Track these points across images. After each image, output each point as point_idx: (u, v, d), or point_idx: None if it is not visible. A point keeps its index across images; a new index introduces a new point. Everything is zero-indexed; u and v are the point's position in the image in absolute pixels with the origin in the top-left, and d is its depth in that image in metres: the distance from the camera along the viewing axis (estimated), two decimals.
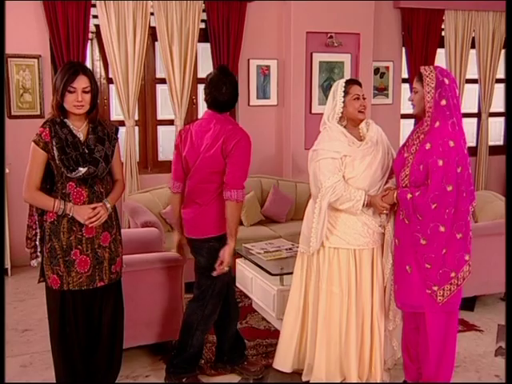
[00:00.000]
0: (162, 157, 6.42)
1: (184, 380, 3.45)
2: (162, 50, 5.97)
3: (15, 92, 5.60)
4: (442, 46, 7.12)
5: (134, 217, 5.01)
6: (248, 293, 4.52)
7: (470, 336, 4.17)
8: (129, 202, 5.41)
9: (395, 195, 3.07)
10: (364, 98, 3.27)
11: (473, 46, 7.24)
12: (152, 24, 5.93)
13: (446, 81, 2.96)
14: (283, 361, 3.51)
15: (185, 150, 3.34)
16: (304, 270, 3.41)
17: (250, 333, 4.15)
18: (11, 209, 5.38)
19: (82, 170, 2.90)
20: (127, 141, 5.94)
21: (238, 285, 4.59)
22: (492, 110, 7.52)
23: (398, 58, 7.06)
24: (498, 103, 7.54)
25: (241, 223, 3.43)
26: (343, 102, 3.23)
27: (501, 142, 7.66)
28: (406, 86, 7.02)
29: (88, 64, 5.84)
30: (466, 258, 3.01)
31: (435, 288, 3.00)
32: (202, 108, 6.42)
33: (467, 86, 7.35)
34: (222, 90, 3.25)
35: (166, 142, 6.40)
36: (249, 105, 6.41)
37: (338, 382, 3.37)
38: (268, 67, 6.46)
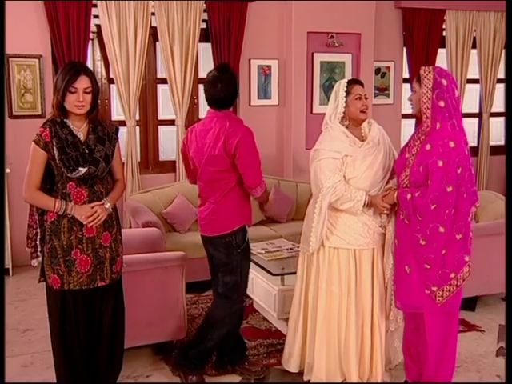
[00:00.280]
0: (162, 157, 6.42)
1: (191, 378, 3.46)
2: (162, 49, 5.97)
3: (16, 92, 5.60)
4: (443, 46, 7.12)
5: (135, 217, 5.01)
6: (249, 293, 4.51)
7: (471, 336, 4.16)
8: (130, 201, 5.41)
9: (395, 195, 3.07)
10: (366, 98, 3.27)
11: (474, 46, 7.23)
12: (153, 24, 5.93)
13: (445, 82, 2.95)
14: (288, 360, 3.53)
15: (191, 150, 3.41)
16: (304, 269, 3.42)
17: (251, 333, 4.15)
18: (12, 208, 5.38)
19: (82, 170, 2.90)
20: (128, 141, 5.95)
21: None
22: (493, 109, 7.51)
23: (398, 58, 7.05)
24: (499, 103, 7.53)
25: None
26: (345, 101, 3.23)
27: (502, 142, 7.65)
28: (407, 86, 7.02)
29: (89, 64, 5.84)
30: (466, 258, 3.00)
31: (434, 288, 2.99)
32: (203, 108, 6.42)
33: (468, 86, 7.34)
34: (218, 87, 3.29)
35: (167, 142, 6.39)
36: (250, 105, 6.41)
37: (339, 381, 3.37)
38: (269, 67, 6.46)
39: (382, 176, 3.25)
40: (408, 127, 6.98)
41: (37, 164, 2.91)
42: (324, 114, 3.35)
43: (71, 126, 2.95)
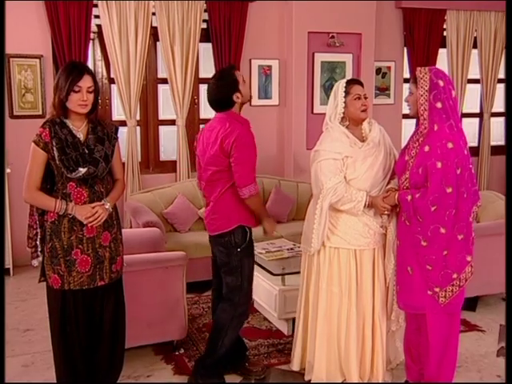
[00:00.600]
0: (163, 157, 6.42)
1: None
2: (163, 50, 5.97)
3: (17, 92, 5.61)
4: (444, 46, 7.12)
5: (135, 217, 5.01)
6: None
7: (472, 336, 4.16)
8: (130, 201, 5.41)
9: (396, 197, 3.07)
10: (366, 98, 3.26)
11: (475, 46, 7.24)
12: (154, 24, 5.94)
13: (441, 83, 2.94)
14: (292, 359, 3.56)
15: (198, 150, 3.46)
16: (305, 269, 3.43)
17: (252, 333, 4.15)
18: (12, 208, 5.38)
19: (82, 170, 2.90)
20: (129, 141, 5.95)
21: None
22: (494, 109, 7.51)
23: (399, 58, 7.05)
24: (500, 103, 7.53)
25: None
26: (344, 102, 3.23)
27: (503, 142, 7.64)
28: (408, 86, 7.00)
29: (90, 64, 5.84)
30: (468, 259, 3.00)
31: (437, 289, 2.99)
32: (204, 108, 6.43)
33: (469, 86, 7.34)
34: (210, 90, 3.37)
35: (168, 141, 6.39)
36: (250, 105, 6.36)
37: (340, 381, 3.37)
38: (270, 67, 6.46)
39: (383, 176, 3.25)
40: (409, 127, 6.98)
41: (37, 164, 2.91)
42: (325, 114, 3.35)
43: (71, 127, 2.95)
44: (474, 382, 3.58)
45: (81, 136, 2.97)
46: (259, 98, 6.45)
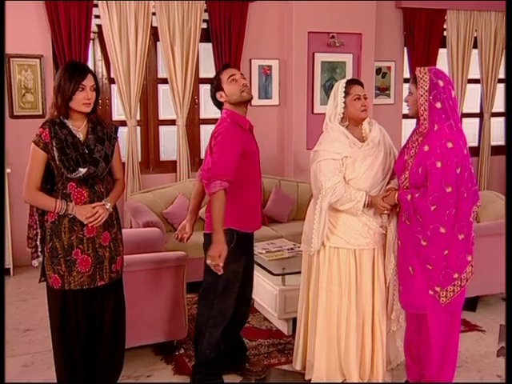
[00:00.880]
0: (163, 157, 6.42)
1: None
2: (163, 49, 5.97)
3: (17, 92, 5.61)
4: (444, 46, 7.12)
5: (135, 217, 5.01)
6: None
7: (472, 336, 4.16)
8: (130, 201, 5.41)
9: (396, 196, 3.07)
10: (365, 98, 3.26)
11: (475, 46, 7.24)
12: (154, 24, 5.94)
13: (441, 83, 2.94)
14: (295, 358, 3.57)
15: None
16: (306, 269, 3.43)
17: (252, 333, 4.15)
18: (13, 208, 5.38)
19: (82, 170, 2.90)
20: (129, 141, 5.95)
21: None
22: (494, 109, 7.51)
23: (399, 58, 7.05)
24: (500, 103, 7.53)
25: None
26: (344, 102, 3.23)
27: (503, 142, 7.64)
28: (408, 86, 7.00)
29: (90, 64, 5.84)
30: (469, 258, 3.00)
31: (438, 289, 2.99)
32: (204, 108, 6.44)
33: (469, 86, 7.34)
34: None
35: (168, 141, 6.39)
36: (251, 105, 6.36)
37: (340, 381, 3.37)
38: (270, 67, 6.46)
39: (383, 176, 3.25)
40: (409, 127, 6.96)
41: (37, 164, 2.91)
42: (325, 114, 3.35)
43: (71, 127, 2.95)
44: (474, 382, 3.58)
45: (81, 136, 2.97)
46: (259, 98, 6.45)
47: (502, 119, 7.72)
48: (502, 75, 7.38)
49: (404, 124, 7.14)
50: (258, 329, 4.26)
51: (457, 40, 7.09)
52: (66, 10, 5.52)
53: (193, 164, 6.29)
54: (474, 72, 7.37)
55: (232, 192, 3.19)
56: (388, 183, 3.27)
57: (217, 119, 3.39)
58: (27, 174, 2.93)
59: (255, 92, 6.39)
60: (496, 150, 7.57)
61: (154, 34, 6.03)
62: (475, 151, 7.30)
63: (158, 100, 6.32)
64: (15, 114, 5.63)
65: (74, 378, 3.09)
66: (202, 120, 6.41)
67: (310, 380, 3.43)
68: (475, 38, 7.21)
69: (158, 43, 6.10)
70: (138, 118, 6.13)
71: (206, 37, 6.17)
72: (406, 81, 7.07)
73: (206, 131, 6.36)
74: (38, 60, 5.63)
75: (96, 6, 5.68)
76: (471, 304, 4.48)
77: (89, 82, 2.90)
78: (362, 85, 3.31)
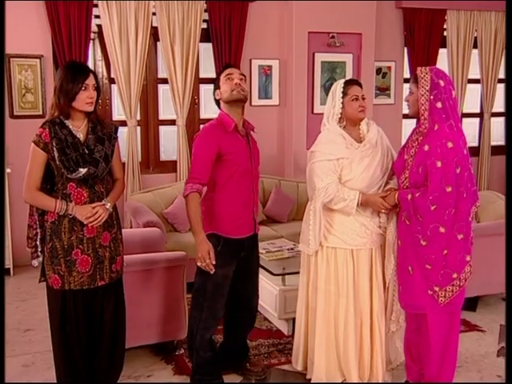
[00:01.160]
0: (163, 157, 6.42)
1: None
2: (163, 50, 5.97)
3: (17, 92, 5.61)
4: (444, 46, 7.12)
5: (135, 217, 5.01)
6: None
7: (472, 336, 4.16)
8: (131, 201, 5.41)
9: (396, 196, 3.07)
10: (363, 99, 3.26)
11: (475, 46, 7.24)
12: (154, 24, 5.93)
13: (442, 83, 2.94)
14: (295, 359, 3.56)
15: None
16: (305, 269, 3.44)
17: (252, 333, 4.12)
18: (13, 208, 5.38)
19: (83, 170, 2.90)
20: (129, 141, 5.95)
21: None
22: (494, 109, 7.51)
23: (399, 58, 7.05)
24: (500, 103, 7.52)
25: None
26: (342, 102, 3.23)
27: (503, 142, 7.64)
28: (408, 86, 7.00)
29: (90, 64, 5.84)
30: (468, 258, 3.00)
31: (437, 289, 2.99)
32: (204, 108, 6.44)
33: (469, 86, 7.34)
34: None
35: (168, 141, 6.39)
36: (251, 105, 6.40)
37: (340, 381, 3.37)
38: (270, 67, 6.46)
39: (380, 177, 3.25)
40: (409, 127, 6.93)
41: (37, 164, 2.91)
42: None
43: (71, 127, 2.95)
44: (474, 382, 3.58)
45: (81, 136, 2.97)
46: (259, 98, 6.46)
47: (502, 119, 7.72)
48: (502, 75, 7.38)
49: (404, 124, 7.14)
50: (258, 329, 4.24)
51: (457, 40, 7.09)
52: (66, 10, 5.52)
53: None
54: (474, 72, 7.36)
55: (213, 195, 3.23)
56: (386, 183, 3.27)
57: (217, 120, 3.38)
58: (27, 174, 2.93)
59: (255, 92, 6.40)
60: (496, 150, 7.57)
61: (154, 34, 6.03)
62: (475, 151, 7.30)
63: (158, 100, 6.32)
64: (15, 114, 5.63)
65: (73, 378, 3.09)
66: (202, 120, 6.40)
67: (310, 380, 3.43)
68: (475, 37, 7.21)
69: (158, 43, 6.10)
70: (138, 117, 6.13)
71: (206, 37, 6.17)
72: (406, 81, 7.07)
73: None
74: (38, 60, 5.63)
75: (96, 5, 5.68)
76: (471, 304, 4.48)
77: (91, 81, 2.91)
78: (360, 85, 3.31)
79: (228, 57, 6.12)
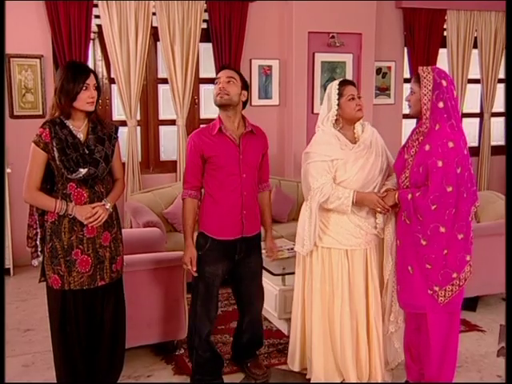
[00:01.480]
0: (163, 157, 6.42)
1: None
2: (163, 50, 5.97)
3: (17, 92, 5.61)
4: (444, 46, 7.12)
5: (135, 217, 5.01)
6: None
7: (472, 336, 4.16)
8: (131, 201, 5.41)
9: (396, 196, 3.07)
10: (359, 97, 3.27)
11: (475, 46, 7.24)
12: (154, 24, 5.94)
13: (444, 83, 2.95)
14: (291, 359, 3.56)
15: None
16: (300, 269, 3.44)
17: None
18: (13, 208, 5.39)
19: (83, 171, 2.90)
20: (129, 141, 5.95)
21: None
22: (494, 109, 7.51)
23: (399, 58, 7.05)
24: (500, 103, 7.52)
25: None
26: (338, 104, 3.23)
27: (503, 142, 7.64)
28: (408, 85, 6.93)
29: (90, 64, 5.83)
30: (467, 258, 3.01)
31: (436, 288, 2.99)
32: (204, 108, 6.44)
33: (469, 86, 7.34)
34: None
35: (168, 141, 6.39)
36: (251, 105, 6.39)
37: (339, 381, 3.37)
38: (270, 67, 6.46)
39: (375, 178, 3.24)
40: (409, 127, 6.94)
41: (37, 164, 2.91)
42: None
43: (71, 127, 2.95)
44: (474, 382, 3.58)
45: (81, 136, 2.97)
46: (259, 97, 6.46)
47: (502, 119, 7.72)
48: (502, 75, 7.38)
49: (404, 124, 7.13)
50: None
51: (457, 40, 7.09)
52: (66, 10, 5.52)
53: None
54: (474, 72, 7.36)
55: (204, 196, 3.33)
56: (383, 184, 3.27)
57: (207, 125, 3.42)
58: (27, 174, 2.92)
59: (255, 92, 6.40)
60: (496, 150, 7.57)
61: (154, 34, 6.03)
62: (475, 151, 7.30)
63: (158, 100, 6.32)
64: (15, 114, 5.63)
65: (73, 378, 3.09)
66: (202, 120, 6.40)
67: (309, 380, 3.43)
68: (475, 38, 7.21)
69: (158, 43, 6.10)
70: (138, 117, 6.13)
71: (206, 37, 6.17)
72: (406, 81, 7.08)
73: None
74: (38, 60, 5.63)
75: (96, 5, 5.68)
76: (471, 304, 4.48)
77: (92, 80, 2.92)
78: (354, 85, 3.32)
79: (228, 57, 6.12)
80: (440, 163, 2.88)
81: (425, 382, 3.24)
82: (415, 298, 3.08)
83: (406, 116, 7.07)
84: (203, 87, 6.39)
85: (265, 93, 6.47)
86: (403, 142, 3.24)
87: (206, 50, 6.28)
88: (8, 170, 5.37)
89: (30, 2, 5.53)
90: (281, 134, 6.62)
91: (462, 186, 2.90)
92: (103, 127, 3.06)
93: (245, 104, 3.38)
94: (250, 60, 6.37)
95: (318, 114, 3.42)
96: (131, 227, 5.38)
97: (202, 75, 6.36)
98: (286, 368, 3.64)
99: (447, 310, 3.04)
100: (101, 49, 5.98)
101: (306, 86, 6.44)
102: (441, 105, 2.93)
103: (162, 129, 6.39)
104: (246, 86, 3.34)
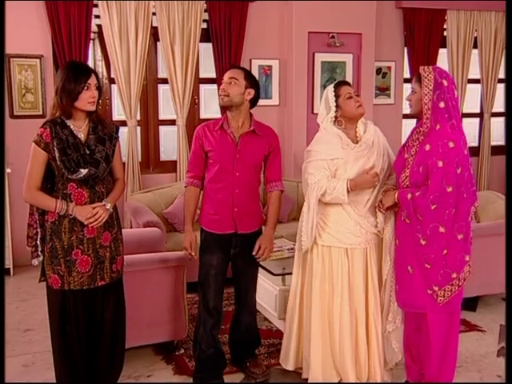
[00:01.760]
0: (163, 157, 6.42)
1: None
2: (163, 50, 5.97)
3: (17, 92, 5.61)
4: (444, 46, 7.12)
5: (135, 217, 5.01)
6: None
7: (472, 336, 4.17)
8: (131, 201, 5.41)
9: (396, 195, 3.07)
10: (357, 95, 3.28)
11: (475, 46, 7.24)
12: (154, 24, 5.93)
13: (445, 82, 2.95)
14: (285, 358, 3.55)
15: None
16: (300, 267, 3.45)
17: None
18: (13, 209, 5.39)
19: (83, 171, 2.89)
20: (129, 141, 5.95)
21: None
22: (494, 109, 7.51)
23: (399, 58, 7.05)
24: (500, 103, 7.52)
25: None
26: (337, 105, 3.24)
27: (503, 142, 7.64)
28: (408, 85, 6.92)
29: (90, 64, 5.83)
30: (467, 258, 3.01)
31: (436, 288, 3.00)
32: (204, 108, 6.43)
33: (469, 86, 7.34)
34: None
35: (168, 141, 6.39)
36: (255, 105, 6.39)
37: (337, 381, 3.37)
38: (270, 67, 6.46)
39: (374, 172, 3.24)
40: (409, 127, 6.91)
41: (37, 164, 2.91)
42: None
43: (72, 127, 2.95)
44: (474, 382, 3.58)
45: (82, 136, 2.97)
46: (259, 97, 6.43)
47: (502, 119, 7.72)
48: (502, 75, 7.38)
49: (404, 124, 7.14)
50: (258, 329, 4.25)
51: (457, 40, 7.09)
52: (66, 10, 5.52)
53: None
54: (474, 72, 7.36)
55: (205, 192, 3.44)
56: (384, 184, 3.27)
57: (216, 119, 3.48)
58: (27, 174, 2.92)
59: None
60: (496, 150, 7.57)
61: (154, 34, 6.03)
62: (475, 151, 7.30)
63: (158, 100, 6.32)
64: (15, 113, 5.63)
65: (73, 378, 3.09)
66: (202, 120, 6.39)
67: (307, 379, 3.43)
68: (475, 37, 7.21)
69: (158, 43, 6.10)
70: (138, 117, 6.13)
71: (206, 37, 6.17)
72: (406, 81, 7.08)
73: None
74: (38, 60, 5.63)
75: (96, 6, 5.68)
76: (471, 304, 4.48)
77: (93, 80, 2.92)
78: (349, 84, 3.34)
79: (228, 57, 6.12)
80: (440, 163, 2.88)
81: (425, 382, 3.24)
82: (414, 298, 3.08)
83: (406, 116, 7.08)
84: (203, 87, 6.39)
85: (265, 93, 6.45)
86: (403, 142, 3.24)
87: (206, 50, 6.28)
88: (8, 170, 5.37)
89: (30, 2, 5.53)
90: (281, 134, 6.54)
91: (462, 187, 2.90)
92: (104, 127, 3.05)
93: (253, 102, 3.40)
94: (250, 60, 6.36)
95: (317, 113, 3.43)
96: (131, 227, 5.38)
97: (202, 75, 6.36)
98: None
99: (447, 310, 3.04)
100: (101, 49, 5.98)
101: (306, 86, 6.44)
102: (442, 105, 2.93)
103: (162, 129, 6.40)
104: (252, 83, 3.36)
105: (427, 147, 2.95)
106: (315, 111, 6.39)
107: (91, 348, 3.11)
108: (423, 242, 2.97)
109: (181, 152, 6.14)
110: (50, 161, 2.91)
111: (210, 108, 6.37)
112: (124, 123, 5.87)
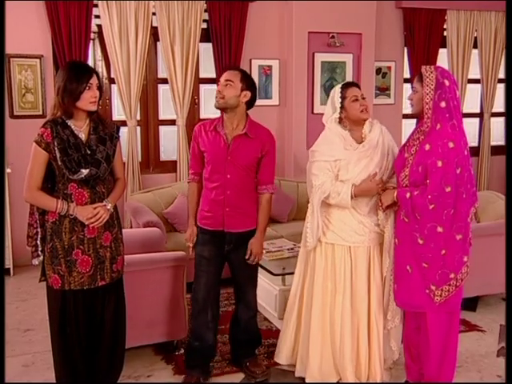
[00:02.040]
0: (163, 157, 6.42)
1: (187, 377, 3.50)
2: (163, 49, 5.97)
3: (17, 92, 5.61)
4: (444, 46, 7.12)
5: (135, 217, 5.01)
6: None
7: (472, 336, 4.16)
8: (131, 201, 5.41)
9: (395, 194, 3.07)
10: (363, 98, 3.27)
11: (475, 46, 7.24)
12: (154, 24, 5.94)
13: (447, 82, 2.95)
14: (279, 352, 3.58)
15: None
16: (302, 264, 3.46)
17: None
18: (13, 209, 5.39)
19: (84, 171, 2.89)
20: (129, 141, 5.95)
21: None
22: (494, 109, 7.51)
23: (399, 58, 7.05)
24: (500, 103, 7.53)
25: None
26: (342, 106, 3.24)
27: (503, 142, 7.64)
28: (408, 85, 7.01)
29: (90, 64, 5.83)
30: (465, 259, 3.01)
31: (433, 288, 3.00)
32: (204, 108, 6.43)
33: (469, 85, 7.34)
34: None
35: (168, 141, 6.39)
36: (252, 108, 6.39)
37: (335, 381, 3.37)
38: (270, 67, 6.46)
39: (379, 177, 3.25)
40: (409, 127, 6.96)
41: (38, 164, 2.90)
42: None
43: (73, 127, 2.95)
44: (474, 382, 3.58)
45: (82, 136, 2.97)
46: (259, 97, 6.38)
47: (502, 119, 7.72)
48: (502, 75, 7.38)
49: (404, 124, 7.14)
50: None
51: (457, 40, 7.09)
52: (66, 10, 5.52)
53: None
54: (474, 72, 7.36)
55: (203, 189, 3.50)
56: (387, 182, 3.27)
57: (214, 118, 3.50)
58: (28, 174, 2.92)
59: None
60: (496, 150, 7.57)
61: (154, 34, 6.03)
62: (475, 151, 7.30)
63: (158, 100, 6.32)
64: (15, 113, 5.63)
65: (73, 378, 3.09)
66: (201, 120, 6.37)
67: (301, 378, 3.43)
68: (475, 38, 7.20)
69: (158, 43, 6.10)
70: (138, 118, 6.14)
71: (206, 37, 6.17)
72: (406, 81, 7.08)
73: None
74: (38, 60, 5.63)
75: (96, 6, 5.68)
76: (471, 304, 4.48)
77: (94, 80, 2.92)
78: (358, 86, 3.33)
79: (228, 57, 6.12)
80: (440, 163, 2.88)
81: (425, 382, 3.24)
82: (412, 297, 3.09)
83: (406, 116, 7.08)
84: (203, 87, 6.39)
85: (265, 93, 6.46)
86: (403, 141, 3.25)
87: (206, 50, 6.28)
88: (8, 170, 5.37)
89: (30, 2, 5.53)
90: (281, 134, 6.60)
91: (462, 187, 2.90)
92: (105, 127, 3.05)
93: (249, 104, 3.39)
94: (250, 60, 6.36)
95: (318, 114, 3.45)
96: (131, 227, 5.38)
97: (202, 75, 6.36)
98: (287, 368, 3.64)
99: (446, 310, 3.04)
100: (101, 49, 5.98)
101: (306, 86, 6.44)
102: (443, 104, 2.93)
103: (162, 129, 6.40)
104: (248, 86, 3.35)
105: (427, 147, 2.95)
106: (315, 111, 6.40)
107: (91, 348, 3.11)
108: (421, 242, 2.98)
109: (181, 152, 6.14)
110: (51, 161, 2.91)
111: (209, 108, 6.34)
112: (124, 123, 5.87)
